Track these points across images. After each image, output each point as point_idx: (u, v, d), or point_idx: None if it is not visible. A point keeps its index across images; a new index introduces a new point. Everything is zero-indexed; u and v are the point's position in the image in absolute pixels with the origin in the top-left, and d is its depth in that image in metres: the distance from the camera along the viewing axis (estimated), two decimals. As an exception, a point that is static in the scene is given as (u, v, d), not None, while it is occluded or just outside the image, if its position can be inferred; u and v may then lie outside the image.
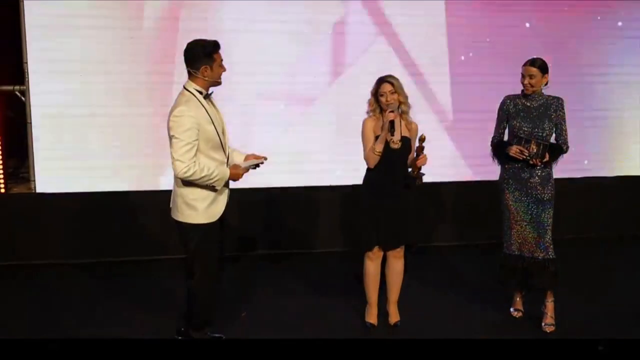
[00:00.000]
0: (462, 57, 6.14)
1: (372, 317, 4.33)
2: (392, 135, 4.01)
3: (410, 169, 4.08)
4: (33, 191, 5.60)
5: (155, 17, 5.58)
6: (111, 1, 5.47)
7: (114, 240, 5.62)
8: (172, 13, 5.60)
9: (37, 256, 5.48)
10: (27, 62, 5.44)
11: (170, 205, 3.77)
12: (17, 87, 5.58)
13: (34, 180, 5.59)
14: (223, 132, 3.72)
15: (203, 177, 3.55)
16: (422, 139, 3.96)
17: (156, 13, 5.58)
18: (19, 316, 4.44)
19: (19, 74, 5.52)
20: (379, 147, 4.02)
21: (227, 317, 4.37)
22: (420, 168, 4.04)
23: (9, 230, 5.50)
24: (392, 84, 4.03)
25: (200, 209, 3.64)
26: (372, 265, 4.24)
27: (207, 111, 3.61)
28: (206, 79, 3.61)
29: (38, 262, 5.45)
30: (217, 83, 3.68)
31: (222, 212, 3.73)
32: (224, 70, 3.68)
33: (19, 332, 4.18)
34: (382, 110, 4.09)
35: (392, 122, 3.97)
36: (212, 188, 3.64)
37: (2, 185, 5.64)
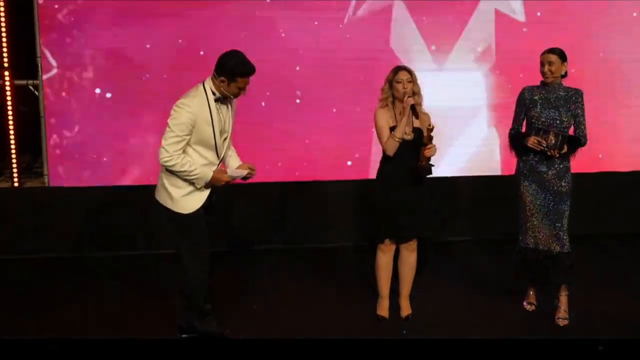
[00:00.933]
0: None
1: (383, 310, 4.31)
2: (417, 118, 4.00)
3: (420, 159, 4.04)
4: (46, 185, 5.63)
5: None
6: None
7: (125, 234, 5.64)
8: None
9: (48, 249, 5.51)
10: (40, 57, 5.48)
11: None
12: (30, 82, 5.61)
13: (47, 175, 5.62)
14: (223, 136, 3.73)
15: (183, 171, 3.61)
16: (430, 129, 3.94)
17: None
18: (29, 308, 4.48)
19: (32, 69, 5.55)
20: (399, 134, 3.99)
21: (238, 310, 4.38)
22: (429, 158, 4.01)
23: (22, 223, 5.53)
24: (410, 73, 4.05)
25: (175, 196, 3.69)
26: (384, 258, 4.21)
27: (210, 112, 3.62)
28: (221, 88, 3.64)
29: (49, 255, 5.47)
30: (230, 97, 3.71)
31: (197, 209, 3.72)
32: (242, 94, 3.69)
33: (29, 324, 4.22)
34: (394, 100, 4.08)
35: (413, 107, 3.96)
36: (192, 183, 3.68)
37: (16, 180, 5.68)
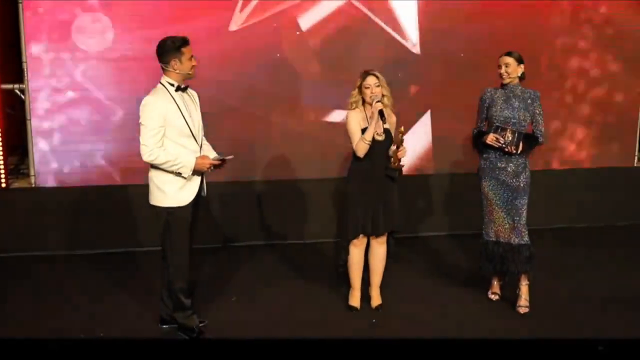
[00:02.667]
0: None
1: (355, 300, 4.54)
2: (384, 123, 4.20)
3: (392, 161, 4.26)
4: (33, 185, 5.81)
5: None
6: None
7: (113, 232, 5.81)
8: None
9: (36, 248, 5.66)
10: (26, 61, 5.65)
11: None
12: (16, 86, 5.78)
13: (34, 175, 5.80)
14: (195, 123, 3.97)
15: (167, 162, 3.83)
16: (401, 132, 4.16)
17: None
18: (19, 308, 4.60)
19: (18, 73, 5.71)
20: (369, 136, 4.20)
21: (217, 303, 4.60)
22: (400, 160, 4.23)
23: (10, 223, 5.68)
24: (377, 77, 4.23)
25: (168, 192, 3.91)
26: (357, 252, 4.44)
27: (176, 103, 3.87)
28: (177, 71, 3.88)
29: (36, 254, 5.61)
30: (189, 76, 3.95)
31: (192, 199, 3.96)
32: (194, 64, 3.94)
33: (19, 325, 4.33)
34: (364, 103, 4.29)
35: (381, 111, 4.16)
36: (179, 174, 3.89)
37: (3, 181, 5.84)
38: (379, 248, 4.46)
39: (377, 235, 4.41)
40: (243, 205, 6.03)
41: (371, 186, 4.30)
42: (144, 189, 5.66)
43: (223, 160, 4.02)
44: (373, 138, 4.22)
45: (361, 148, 4.24)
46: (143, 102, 3.87)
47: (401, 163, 4.27)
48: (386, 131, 4.29)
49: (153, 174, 3.96)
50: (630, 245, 6.03)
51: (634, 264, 5.49)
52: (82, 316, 4.44)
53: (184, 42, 3.89)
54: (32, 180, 5.83)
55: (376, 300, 4.55)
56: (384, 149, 4.29)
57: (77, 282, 5.07)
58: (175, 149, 3.87)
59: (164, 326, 4.22)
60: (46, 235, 5.72)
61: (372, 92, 4.21)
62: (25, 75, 5.66)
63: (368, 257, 4.51)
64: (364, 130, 4.25)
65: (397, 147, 4.21)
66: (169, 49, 3.87)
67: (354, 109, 4.34)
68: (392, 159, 4.25)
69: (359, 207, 4.32)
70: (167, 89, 3.90)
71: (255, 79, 5.93)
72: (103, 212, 5.79)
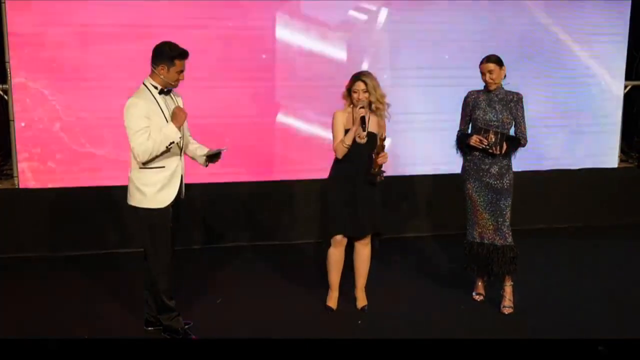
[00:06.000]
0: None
1: (332, 301, 4.56)
2: (364, 130, 4.20)
3: (372, 167, 4.27)
4: (16, 187, 5.77)
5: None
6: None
7: (94, 233, 5.79)
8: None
9: (18, 250, 5.63)
10: (9, 62, 5.61)
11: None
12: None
13: (17, 177, 5.76)
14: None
15: (157, 144, 3.80)
16: (382, 139, 4.20)
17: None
18: (2, 309, 4.57)
19: (1, 74, 5.68)
20: (349, 140, 4.22)
21: (202, 303, 4.59)
22: (381, 166, 4.25)
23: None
24: (366, 83, 4.21)
25: (148, 194, 3.90)
26: (336, 252, 4.44)
27: (159, 104, 3.87)
28: (161, 76, 3.86)
29: (19, 255, 5.59)
30: (172, 85, 3.94)
31: (171, 200, 3.96)
32: (181, 79, 3.92)
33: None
34: (354, 105, 4.27)
35: (363, 118, 4.17)
36: (154, 174, 3.88)
37: (-14, 182, 5.80)
38: (363, 250, 4.47)
39: (360, 237, 4.42)
40: (227, 205, 6.03)
41: (351, 187, 4.31)
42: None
43: (218, 154, 4.04)
44: (354, 141, 4.23)
45: (339, 150, 4.27)
46: (127, 103, 3.85)
47: (382, 169, 4.28)
48: (370, 135, 4.29)
49: (134, 176, 3.95)
50: (613, 246, 6.11)
51: (617, 263, 5.56)
52: (67, 317, 4.42)
53: (181, 54, 3.85)
54: (15, 182, 5.79)
55: (362, 301, 4.56)
56: (365, 152, 4.29)
57: (60, 283, 5.04)
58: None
59: (149, 328, 4.21)
60: (29, 236, 5.69)
61: (358, 98, 4.22)
62: (8, 75, 5.62)
63: (353, 259, 4.52)
64: (346, 132, 4.25)
65: (378, 153, 4.23)
66: (163, 54, 3.84)
67: (343, 110, 4.35)
68: (372, 164, 4.27)
69: (338, 207, 4.34)
70: (149, 90, 3.89)
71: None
72: (87, 214, 5.77)
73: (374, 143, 4.28)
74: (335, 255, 4.45)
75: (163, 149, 3.84)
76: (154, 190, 3.91)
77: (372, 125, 4.28)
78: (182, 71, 3.88)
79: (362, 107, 4.17)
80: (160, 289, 4.02)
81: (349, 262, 4.54)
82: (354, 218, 4.32)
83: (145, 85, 3.90)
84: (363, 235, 4.42)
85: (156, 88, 3.89)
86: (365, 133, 4.23)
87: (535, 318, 4.42)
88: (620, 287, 4.99)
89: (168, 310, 4.09)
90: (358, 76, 4.26)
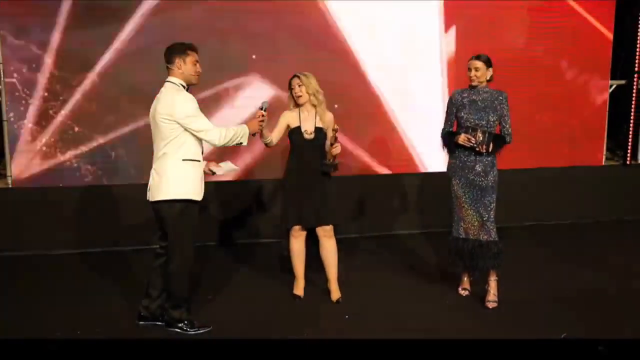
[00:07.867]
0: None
1: (298, 289, 4.74)
2: (261, 109, 4.25)
3: (327, 157, 4.48)
4: (9, 186, 5.84)
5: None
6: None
7: (88, 232, 5.86)
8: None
9: (13, 248, 5.70)
10: (1, 63, 5.67)
11: (149, 189, 4.03)
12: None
13: (11, 176, 5.82)
14: None
15: (234, 135, 4.00)
16: (334, 130, 4.43)
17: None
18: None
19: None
20: (265, 139, 4.41)
21: (193, 302, 4.64)
22: (335, 156, 4.46)
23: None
24: (300, 78, 4.48)
25: (190, 186, 3.97)
26: (296, 243, 4.64)
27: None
28: (181, 71, 3.97)
29: (13, 254, 5.65)
30: (192, 83, 4.03)
31: (203, 192, 4.06)
32: (199, 71, 4.02)
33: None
34: (296, 104, 4.54)
35: (263, 105, 4.27)
36: (192, 168, 3.96)
37: (-20, 182, 5.85)
38: (327, 242, 4.60)
39: (312, 226, 4.55)
40: (216, 204, 6.13)
41: (304, 180, 4.51)
42: (124, 189, 5.80)
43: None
44: (303, 137, 4.46)
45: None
46: (176, 100, 3.88)
47: (336, 160, 4.49)
48: (317, 130, 4.50)
49: (169, 168, 3.93)
50: (598, 243, 6.21)
51: (602, 261, 5.65)
52: (62, 316, 4.44)
53: (191, 47, 4.00)
54: (9, 181, 5.85)
55: (335, 293, 4.67)
56: (315, 146, 4.51)
57: (56, 282, 5.09)
58: (194, 142, 3.97)
59: (141, 322, 4.23)
60: (23, 235, 5.75)
61: (295, 93, 4.48)
62: (1, 75, 5.68)
63: (320, 252, 4.65)
64: (294, 130, 4.48)
65: (332, 144, 4.42)
66: (175, 49, 3.98)
67: (290, 109, 4.59)
68: (327, 155, 4.48)
69: (293, 199, 4.53)
70: (180, 86, 3.97)
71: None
72: (81, 213, 5.84)
73: (322, 137, 4.51)
74: (296, 246, 4.65)
75: (237, 137, 4.01)
76: (195, 183, 3.99)
77: (318, 121, 4.51)
78: (197, 62, 4.00)
79: (261, 108, 4.22)
80: (184, 279, 4.06)
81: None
82: (306, 209, 4.49)
83: (175, 84, 3.97)
84: (314, 225, 4.55)
85: (184, 87, 3.99)
86: (312, 129, 4.48)
87: (519, 313, 4.50)
88: (606, 283, 5.08)
89: (185, 304, 4.16)
90: (294, 75, 4.51)
